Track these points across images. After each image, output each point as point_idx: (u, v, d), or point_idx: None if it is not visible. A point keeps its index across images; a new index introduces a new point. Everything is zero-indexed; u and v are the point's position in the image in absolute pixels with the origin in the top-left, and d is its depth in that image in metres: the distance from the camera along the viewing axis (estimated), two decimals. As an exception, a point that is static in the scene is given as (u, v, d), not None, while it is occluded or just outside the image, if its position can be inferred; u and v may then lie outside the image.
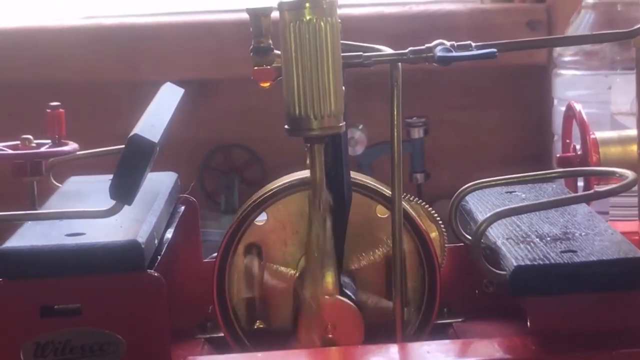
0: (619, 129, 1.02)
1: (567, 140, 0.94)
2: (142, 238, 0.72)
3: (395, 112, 0.74)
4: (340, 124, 0.73)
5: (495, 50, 0.72)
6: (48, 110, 0.88)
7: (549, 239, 0.76)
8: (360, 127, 1.38)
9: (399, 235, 0.75)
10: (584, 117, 0.91)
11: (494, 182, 0.82)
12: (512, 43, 0.77)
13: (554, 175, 0.85)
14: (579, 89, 1.26)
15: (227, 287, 0.81)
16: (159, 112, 0.78)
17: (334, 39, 0.72)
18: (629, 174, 0.75)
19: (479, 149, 1.46)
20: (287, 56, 0.72)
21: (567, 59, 1.27)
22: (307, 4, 0.71)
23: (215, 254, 0.81)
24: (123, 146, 0.70)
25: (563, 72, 1.29)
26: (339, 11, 0.72)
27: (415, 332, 0.81)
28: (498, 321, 0.82)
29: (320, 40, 0.71)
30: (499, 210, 0.73)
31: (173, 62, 1.37)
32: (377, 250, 0.81)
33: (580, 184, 0.94)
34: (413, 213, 0.81)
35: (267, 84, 0.75)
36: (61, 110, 0.88)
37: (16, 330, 0.71)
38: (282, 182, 0.82)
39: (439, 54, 0.73)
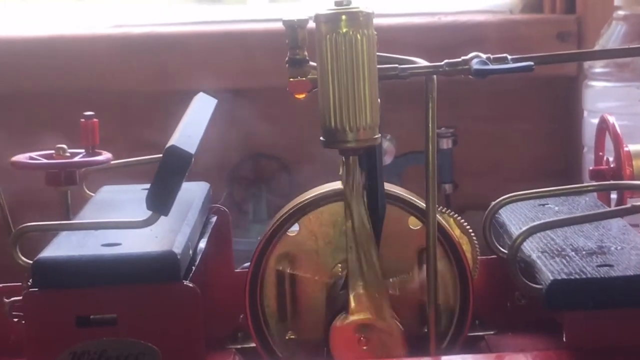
0: (650, 141, 1.01)
1: (600, 153, 0.94)
2: (177, 249, 0.73)
3: (430, 125, 0.74)
4: (376, 137, 0.73)
5: (532, 63, 0.72)
6: (82, 120, 0.89)
7: (584, 252, 0.76)
8: (389, 137, 1.37)
9: (433, 247, 0.75)
10: (618, 129, 0.90)
11: (528, 195, 0.81)
12: (548, 56, 0.77)
13: (589, 188, 0.85)
14: (609, 100, 1.25)
15: (259, 297, 0.81)
16: (194, 123, 0.78)
17: (370, 51, 0.72)
18: (664, 187, 0.75)
19: (506, 160, 1.45)
20: (323, 68, 0.72)
21: (598, 70, 1.26)
22: (344, 16, 0.71)
23: (247, 264, 0.81)
24: (156, 156, 0.71)
25: (594, 83, 1.28)
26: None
27: (447, 345, 0.80)
28: (530, 334, 0.82)
29: (356, 52, 0.71)
30: (535, 224, 0.73)
31: (202, 72, 1.37)
32: (409, 262, 0.81)
33: (613, 196, 0.94)
34: (446, 225, 0.81)
35: (302, 96, 0.75)
36: (95, 119, 0.89)
37: (52, 340, 0.72)
38: (314, 193, 0.82)
39: (475, 66, 0.73)
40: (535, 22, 1.39)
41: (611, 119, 0.91)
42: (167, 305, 0.72)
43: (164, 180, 0.70)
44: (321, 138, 0.73)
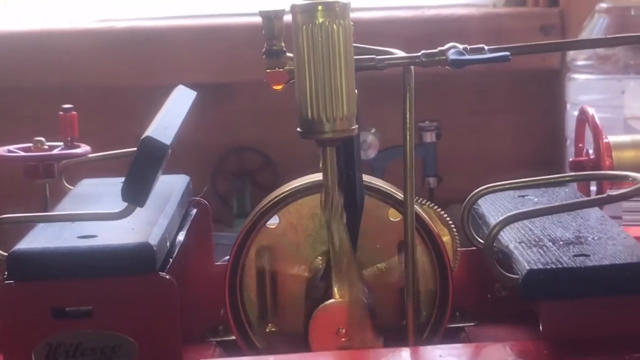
0: (632, 133, 1.01)
1: (580, 145, 0.94)
2: (154, 240, 0.72)
3: (407, 116, 0.74)
4: (353, 127, 0.73)
5: (508, 53, 0.72)
6: (60, 113, 0.88)
7: (561, 243, 0.76)
8: (373, 131, 1.37)
9: (411, 239, 0.75)
10: (597, 121, 0.90)
11: (506, 186, 0.81)
12: (525, 46, 0.77)
13: (566, 179, 0.85)
14: (592, 93, 1.25)
15: (239, 290, 0.81)
16: (172, 115, 0.78)
17: (347, 41, 0.71)
18: (642, 177, 0.75)
19: (491, 154, 1.45)
20: (299, 59, 0.71)
21: (580, 63, 1.26)
22: (320, 7, 0.71)
23: (228, 257, 0.81)
24: (135, 149, 0.70)
25: (576, 76, 1.28)
26: (352, 15, 0.72)
27: (427, 336, 0.80)
28: (510, 325, 0.82)
29: (332, 43, 0.71)
30: (511, 213, 0.73)
31: (185, 66, 1.37)
32: (389, 254, 0.81)
33: (593, 188, 0.94)
34: (425, 217, 0.81)
35: (279, 87, 0.75)
36: (74, 112, 0.88)
37: (28, 332, 0.71)
38: (293, 186, 0.82)
39: (452, 57, 0.72)
40: (518, 16, 1.39)
41: (591, 111, 0.91)
42: (143, 297, 0.71)
43: (139, 171, 0.69)
44: (298, 129, 0.73)
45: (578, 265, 0.71)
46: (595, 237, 0.77)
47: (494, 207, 0.86)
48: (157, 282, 0.72)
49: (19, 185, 0.89)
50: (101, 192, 0.86)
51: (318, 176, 0.79)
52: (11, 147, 0.86)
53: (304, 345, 0.76)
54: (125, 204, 0.71)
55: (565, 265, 0.71)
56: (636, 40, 0.76)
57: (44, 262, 0.71)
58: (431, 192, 1.39)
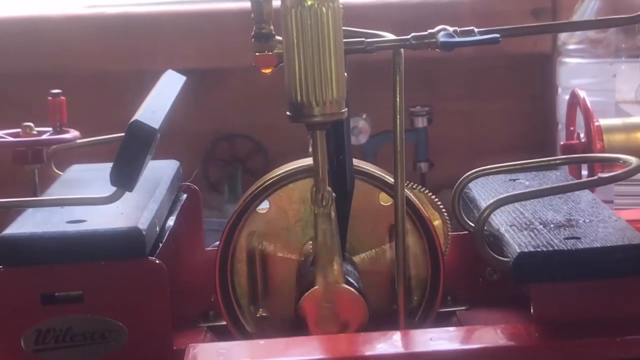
0: (623, 117, 1.01)
1: (571, 128, 0.93)
2: (143, 225, 0.72)
3: (397, 99, 0.74)
4: (343, 110, 0.72)
5: (498, 35, 0.72)
6: (49, 98, 0.88)
7: (552, 225, 0.76)
8: (364, 116, 1.37)
9: (402, 223, 0.75)
10: (588, 104, 0.90)
11: (497, 169, 0.81)
12: (516, 29, 0.77)
13: (557, 162, 0.85)
14: (583, 77, 1.25)
15: (230, 275, 0.81)
16: (160, 99, 0.78)
17: (336, 24, 0.71)
18: (633, 160, 0.74)
19: (483, 138, 1.45)
20: (288, 42, 0.71)
21: (571, 47, 1.26)
22: (309, -11, 0.70)
23: (218, 242, 0.81)
24: (123, 134, 0.70)
25: (568, 60, 1.28)
26: (342, -2, 0.72)
27: (418, 320, 0.80)
28: (502, 309, 0.82)
29: (321, 26, 0.70)
30: (502, 196, 0.73)
31: (176, 51, 1.37)
32: (380, 238, 0.81)
33: (585, 172, 0.94)
34: (416, 201, 0.81)
35: (268, 70, 0.74)
36: (62, 97, 0.88)
37: (17, 318, 0.71)
38: (283, 170, 0.81)
39: (442, 39, 0.72)
40: (509, -1, 1.39)
41: (582, 94, 0.91)
42: (133, 281, 0.71)
43: (127, 155, 0.69)
44: (287, 113, 0.72)
45: (569, 248, 0.71)
46: (587, 220, 0.77)
47: (485, 190, 0.85)
48: (147, 267, 0.71)
49: (7, 171, 0.88)
50: (90, 178, 0.86)
51: (308, 161, 0.79)
52: (-1, 133, 0.86)
53: (295, 329, 0.76)
54: (114, 189, 0.71)
55: (556, 248, 0.71)
56: (626, 22, 0.75)
57: (32, 247, 0.71)
58: (423, 177, 1.39)
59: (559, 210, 0.80)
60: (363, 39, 0.74)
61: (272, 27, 0.74)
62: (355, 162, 0.80)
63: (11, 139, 0.85)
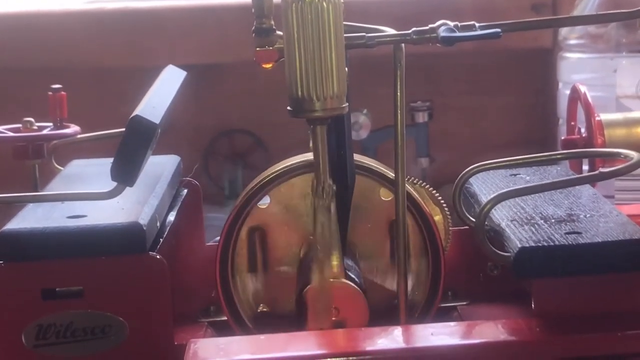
0: (624, 112, 1.01)
1: (572, 123, 0.93)
2: (143, 220, 0.72)
3: (398, 94, 0.74)
4: (343, 105, 0.72)
5: (499, 30, 0.72)
6: (50, 93, 0.88)
7: (553, 220, 0.76)
8: (365, 111, 1.37)
9: (403, 218, 0.75)
10: (589, 99, 0.90)
11: (497, 164, 0.81)
12: (517, 23, 0.76)
13: (558, 157, 0.84)
14: (584, 72, 1.25)
15: (230, 270, 0.81)
16: (161, 94, 0.78)
17: (337, 19, 0.71)
18: (634, 155, 0.74)
19: (483, 133, 1.45)
20: (289, 37, 0.71)
21: (572, 42, 1.26)
22: (309, -16, 0.70)
23: (218, 238, 0.81)
24: (124, 129, 0.70)
25: (568, 55, 1.28)
26: (342, -7, 0.72)
27: (419, 315, 0.80)
28: (503, 304, 0.82)
29: (322, 21, 0.70)
30: (503, 191, 0.72)
31: (176, 47, 1.37)
32: (380, 233, 0.81)
33: (586, 167, 0.94)
34: (417, 196, 0.81)
35: (269, 65, 0.74)
36: (63, 92, 0.88)
37: (18, 313, 0.71)
38: (284, 165, 0.81)
39: (443, 34, 0.72)
40: (510, -6, 1.39)
41: (582, 89, 0.91)
42: (133, 276, 0.71)
43: (128, 150, 0.69)
44: (288, 108, 0.72)
45: (570, 242, 0.71)
46: (588, 215, 0.77)
47: (485, 185, 0.85)
48: (148, 262, 0.71)
49: (8, 166, 0.88)
50: (91, 173, 0.86)
51: (309, 156, 0.79)
52: (0, 128, 0.86)
53: (295, 324, 0.76)
54: (114, 184, 0.70)
55: (557, 242, 0.71)
56: (627, 16, 0.75)
57: (33, 242, 0.71)
58: (423, 173, 1.39)
59: (560, 205, 0.80)
60: (364, 33, 0.74)
61: (272, 22, 0.74)
62: (356, 157, 0.80)
63: (12, 134, 0.85)
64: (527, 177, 0.87)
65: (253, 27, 0.74)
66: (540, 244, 0.70)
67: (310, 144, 0.75)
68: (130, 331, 0.72)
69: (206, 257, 0.84)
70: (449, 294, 0.84)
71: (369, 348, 0.69)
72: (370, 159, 0.82)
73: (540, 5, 1.36)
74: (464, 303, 0.84)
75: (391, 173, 0.79)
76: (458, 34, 0.72)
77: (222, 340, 0.72)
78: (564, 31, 1.27)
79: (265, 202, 0.81)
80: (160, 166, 0.86)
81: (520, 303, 0.77)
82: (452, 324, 0.75)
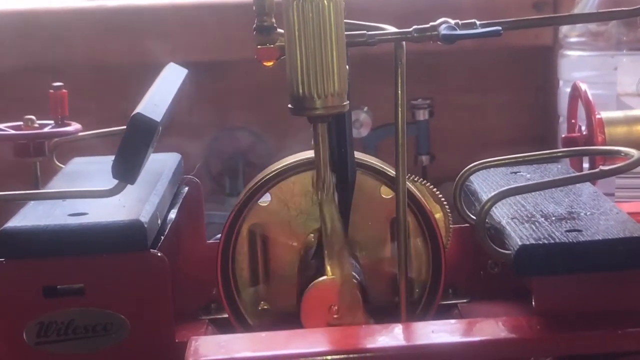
0: (624, 109, 1.01)
1: (573, 121, 0.93)
2: (145, 218, 0.72)
3: (399, 92, 0.74)
4: (344, 103, 0.72)
5: (500, 28, 0.72)
6: (51, 91, 0.88)
7: (554, 218, 0.76)
8: (365, 109, 1.37)
9: (403, 216, 0.75)
10: (590, 96, 0.90)
11: (498, 162, 0.81)
12: (518, 21, 0.76)
13: (558, 154, 0.85)
14: (585, 70, 1.25)
15: (231, 268, 0.81)
16: (162, 92, 0.78)
17: (337, 17, 0.71)
18: (635, 152, 0.74)
19: (484, 131, 1.45)
20: (290, 35, 0.71)
21: (573, 39, 1.26)
22: (310, -18, 0.70)
23: (219, 235, 0.81)
24: (125, 127, 0.70)
25: (569, 53, 1.28)
26: (343, -10, 0.72)
27: (420, 313, 0.80)
28: (503, 302, 0.82)
29: (323, 19, 0.70)
30: (503, 189, 0.72)
31: (177, 44, 1.37)
32: (381, 231, 0.81)
33: (586, 165, 0.94)
34: (417, 193, 0.81)
35: (270, 63, 0.74)
36: (64, 90, 0.88)
37: (19, 311, 0.71)
38: (285, 163, 0.81)
39: (443, 32, 0.72)
40: (511, -8, 1.39)
41: (583, 86, 0.91)
42: (134, 274, 0.71)
43: (129, 148, 0.69)
44: (289, 105, 0.72)
45: (570, 240, 0.71)
46: (588, 213, 0.77)
47: (486, 183, 0.85)
48: (149, 260, 0.71)
49: (9, 164, 0.88)
50: (92, 171, 0.86)
51: (310, 153, 0.79)
52: (1, 126, 0.86)
53: (296, 322, 0.76)
54: (115, 182, 0.71)
55: (557, 240, 0.71)
56: (627, 14, 0.75)
57: (34, 240, 0.71)
58: (424, 171, 1.39)
59: (560, 203, 0.80)
60: (364, 31, 0.74)
61: (273, 20, 0.74)
62: (357, 154, 0.80)
63: (13, 132, 0.85)
64: (528, 175, 0.87)
65: (254, 25, 0.74)
66: (540, 242, 0.70)
67: (312, 142, 0.75)
68: (132, 329, 0.72)
69: (207, 254, 0.84)
70: (450, 292, 0.85)
71: (369, 346, 0.69)
72: (371, 157, 0.82)
73: (541, 3, 1.36)
74: (465, 301, 0.85)
75: (392, 171, 0.79)
76: (459, 31, 0.72)
77: (223, 338, 0.73)
78: (564, 29, 1.27)
79: (266, 199, 0.81)
80: (161, 164, 0.86)
81: (521, 301, 0.77)
82: (452, 321, 0.75)
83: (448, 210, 0.83)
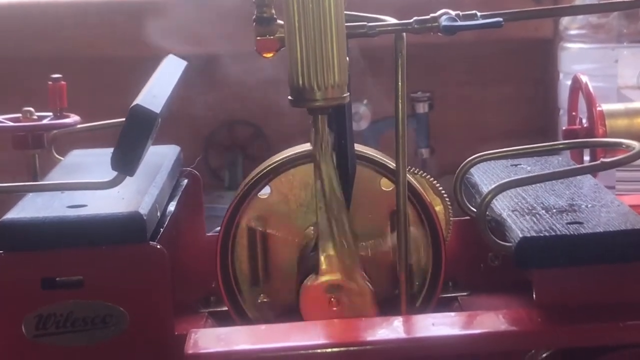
0: (625, 102, 1.01)
1: (573, 113, 0.93)
2: (144, 210, 0.72)
3: (399, 83, 0.74)
4: (344, 95, 0.72)
5: (501, 19, 0.71)
6: (50, 83, 0.88)
7: (554, 210, 0.76)
8: (365, 102, 1.37)
9: (403, 208, 0.74)
10: (590, 89, 0.90)
11: (499, 154, 0.81)
12: (518, 13, 0.76)
13: (559, 147, 0.84)
14: (585, 62, 1.25)
15: (231, 260, 0.80)
16: (161, 84, 0.77)
17: (338, 8, 0.71)
18: (636, 145, 0.74)
19: (484, 124, 1.45)
20: (290, 26, 0.71)
21: (573, 32, 1.26)
22: (310, -27, 0.70)
23: (219, 228, 0.81)
24: (124, 119, 0.70)
25: (569, 45, 1.28)
26: (343, -18, 0.71)
27: (420, 306, 0.80)
28: (504, 295, 0.81)
29: (323, 10, 0.70)
30: (504, 181, 0.72)
31: (177, 37, 1.36)
32: (381, 224, 0.81)
33: (587, 157, 0.93)
34: (418, 186, 0.80)
35: (270, 55, 0.74)
36: (63, 82, 0.88)
37: (18, 303, 0.71)
38: (284, 155, 0.81)
39: (444, 23, 0.72)
40: (511, -16, 1.38)
41: (584, 79, 0.91)
42: (133, 266, 0.71)
43: (128, 140, 0.69)
44: (289, 97, 0.72)
45: (571, 232, 0.71)
46: (589, 205, 0.77)
47: (486, 176, 0.85)
48: (148, 252, 0.71)
49: (8, 156, 0.88)
50: (91, 162, 0.86)
51: (309, 146, 0.79)
52: (0, 118, 0.86)
53: (295, 314, 0.76)
54: (115, 173, 0.70)
55: (558, 232, 0.71)
56: (628, 6, 0.75)
57: (33, 232, 0.71)
58: (424, 163, 1.39)
59: (561, 195, 0.79)
60: (365, 23, 0.74)
61: (273, 11, 0.73)
62: (357, 147, 0.80)
63: (11, 123, 0.85)
64: (528, 168, 0.87)
65: (254, 16, 0.73)
66: (541, 234, 0.70)
67: (311, 134, 0.75)
68: (131, 321, 0.71)
69: (206, 247, 0.84)
70: (450, 285, 0.84)
71: (369, 338, 0.69)
72: (371, 149, 0.82)
73: (541, -5, 1.36)
74: (465, 293, 0.84)
75: (392, 163, 0.79)
76: (460, 23, 0.72)
77: (223, 331, 0.72)
78: (565, 21, 1.27)
79: (265, 192, 0.81)
80: (160, 156, 0.86)
81: (521, 293, 0.77)
82: (452, 314, 0.75)
83: (448, 203, 0.83)
